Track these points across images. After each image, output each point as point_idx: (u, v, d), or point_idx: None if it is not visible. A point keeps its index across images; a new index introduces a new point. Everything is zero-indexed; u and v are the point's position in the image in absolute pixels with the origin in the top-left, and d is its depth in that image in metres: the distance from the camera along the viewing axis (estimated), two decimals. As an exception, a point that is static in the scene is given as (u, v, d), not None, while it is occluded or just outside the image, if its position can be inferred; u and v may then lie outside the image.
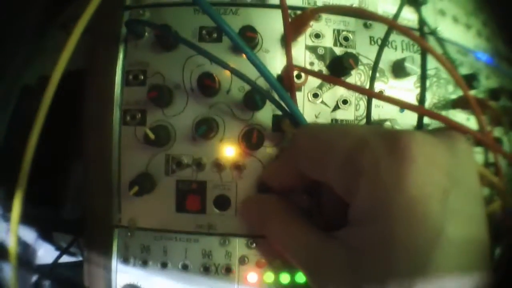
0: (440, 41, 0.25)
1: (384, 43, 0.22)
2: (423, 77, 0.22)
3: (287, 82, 0.21)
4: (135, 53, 0.23)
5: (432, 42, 0.26)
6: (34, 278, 0.33)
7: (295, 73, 0.21)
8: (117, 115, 0.23)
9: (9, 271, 0.23)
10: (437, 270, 0.13)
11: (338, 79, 0.21)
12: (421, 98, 0.22)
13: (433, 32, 0.25)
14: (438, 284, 0.13)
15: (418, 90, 0.24)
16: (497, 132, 0.30)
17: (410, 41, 0.25)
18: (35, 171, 0.23)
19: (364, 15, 0.22)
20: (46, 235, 0.33)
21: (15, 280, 0.22)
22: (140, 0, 0.24)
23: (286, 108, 0.20)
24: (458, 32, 0.28)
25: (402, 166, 0.14)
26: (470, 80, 0.27)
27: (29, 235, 0.33)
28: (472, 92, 0.27)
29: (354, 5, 0.23)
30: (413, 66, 0.23)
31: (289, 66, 0.20)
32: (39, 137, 0.22)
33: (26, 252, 0.34)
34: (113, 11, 0.24)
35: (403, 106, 0.20)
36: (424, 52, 0.21)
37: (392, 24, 0.20)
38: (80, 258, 0.34)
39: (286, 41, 0.20)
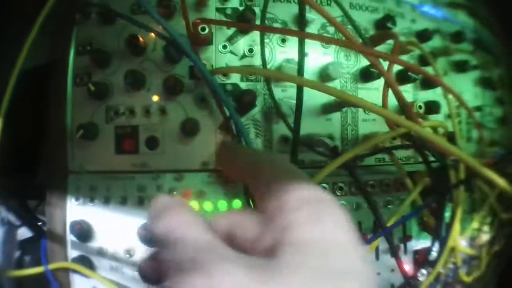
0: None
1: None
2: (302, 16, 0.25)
3: (192, 36, 0.26)
4: (84, 31, 0.30)
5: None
6: (17, 254, 0.38)
7: (200, 26, 0.26)
8: (70, 79, 0.29)
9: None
10: None
11: (237, 23, 0.26)
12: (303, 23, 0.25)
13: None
14: None
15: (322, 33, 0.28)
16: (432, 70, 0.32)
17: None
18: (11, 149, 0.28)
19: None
20: (23, 204, 0.38)
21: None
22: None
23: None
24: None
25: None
26: (384, 22, 0.30)
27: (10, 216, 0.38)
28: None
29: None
30: (312, 16, 0.27)
31: (191, 23, 0.25)
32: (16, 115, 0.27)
33: (8, 232, 0.39)
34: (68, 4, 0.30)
35: (304, 36, 0.23)
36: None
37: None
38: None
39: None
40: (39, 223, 0.36)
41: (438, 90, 0.33)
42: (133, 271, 0.27)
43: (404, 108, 0.26)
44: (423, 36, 0.33)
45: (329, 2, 0.29)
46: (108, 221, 0.28)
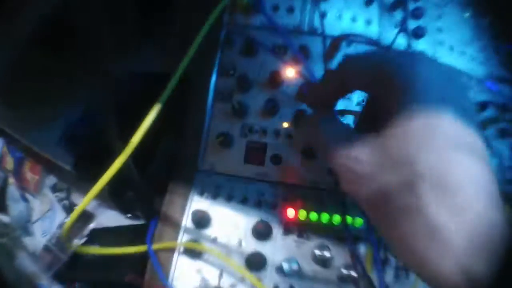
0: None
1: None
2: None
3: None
4: (228, 56, 0.37)
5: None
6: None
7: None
8: (211, 95, 0.36)
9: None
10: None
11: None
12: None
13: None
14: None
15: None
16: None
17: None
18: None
19: (379, 45, 0.36)
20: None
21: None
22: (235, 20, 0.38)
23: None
24: (453, 57, 0.41)
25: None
26: None
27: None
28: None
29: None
30: None
31: None
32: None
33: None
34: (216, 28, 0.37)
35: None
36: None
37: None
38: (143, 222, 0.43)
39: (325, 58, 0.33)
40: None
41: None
42: (241, 259, 0.34)
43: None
44: (481, 106, 0.42)
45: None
46: (227, 215, 0.35)
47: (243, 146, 0.36)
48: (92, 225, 0.44)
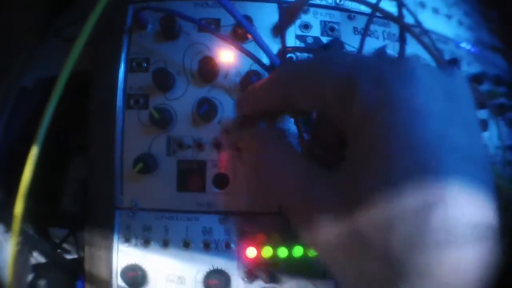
0: (420, 29, 0.29)
1: (367, 27, 0.25)
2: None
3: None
4: (139, 43, 0.26)
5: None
6: (30, 277, 0.33)
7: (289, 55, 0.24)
8: (121, 100, 0.26)
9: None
10: (448, 173, 0.13)
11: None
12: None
13: (414, 21, 0.28)
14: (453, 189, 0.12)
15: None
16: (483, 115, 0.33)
17: (390, 31, 0.28)
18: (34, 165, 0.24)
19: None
20: (42, 231, 0.33)
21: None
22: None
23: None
24: (439, 22, 0.32)
25: (403, 70, 0.14)
26: (450, 65, 0.30)
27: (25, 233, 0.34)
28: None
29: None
30: (393, 53, 0.27)
31: (283, 47, 0.23)
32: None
33: (21, 251, 0.35)
34: (119, 4, 0.26)
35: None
36: (403, 37, 0.24)
37: (375, 8, 0.23)
38: (74, 256, 0.35)
39: (282, 27, 0.23)
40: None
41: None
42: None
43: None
44: (477, 79, 0.34)
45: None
46: (167, 267, 0.25)
47: (172, 168, 0.25)
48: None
